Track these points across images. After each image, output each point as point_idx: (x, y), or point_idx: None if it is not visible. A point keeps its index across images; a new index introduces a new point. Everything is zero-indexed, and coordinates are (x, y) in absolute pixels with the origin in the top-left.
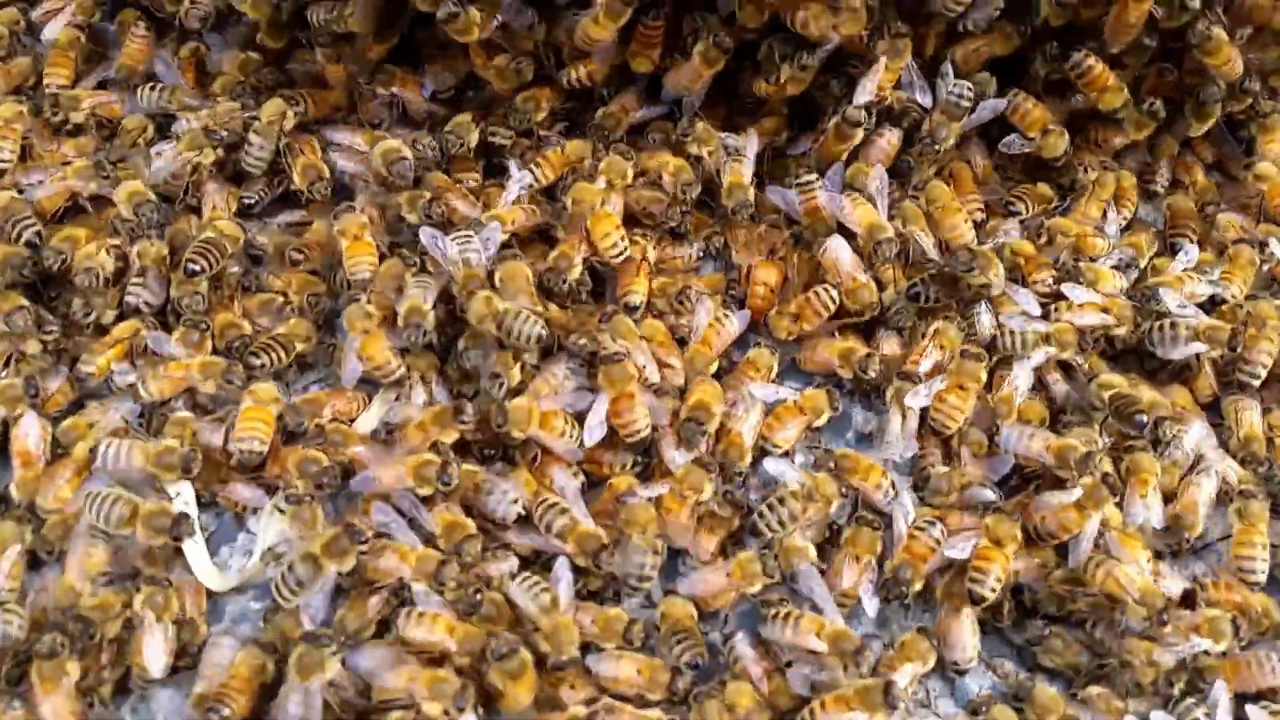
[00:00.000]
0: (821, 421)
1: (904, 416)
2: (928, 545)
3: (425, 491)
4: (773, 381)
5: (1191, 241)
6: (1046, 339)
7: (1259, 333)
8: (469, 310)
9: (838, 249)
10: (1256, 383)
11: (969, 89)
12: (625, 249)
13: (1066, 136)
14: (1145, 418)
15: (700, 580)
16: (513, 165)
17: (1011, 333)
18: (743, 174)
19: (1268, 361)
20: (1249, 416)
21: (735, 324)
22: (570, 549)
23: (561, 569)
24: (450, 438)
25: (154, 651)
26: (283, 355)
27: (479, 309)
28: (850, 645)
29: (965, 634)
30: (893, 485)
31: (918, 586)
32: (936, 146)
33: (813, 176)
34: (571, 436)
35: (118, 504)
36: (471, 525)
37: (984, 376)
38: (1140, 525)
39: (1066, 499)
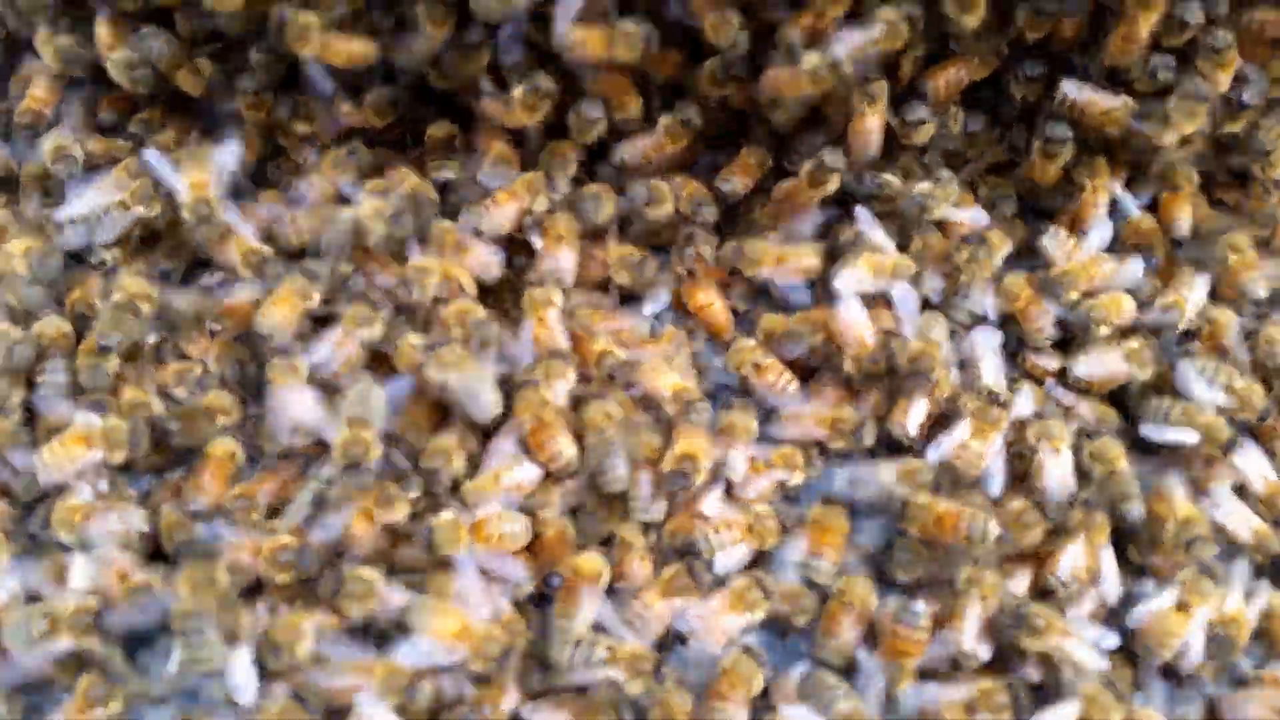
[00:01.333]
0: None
1: None
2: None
3: None
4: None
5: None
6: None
7: (1242, 258)
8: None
9: (852, 316)
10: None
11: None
12: None
13: None
14: (1139, 509)
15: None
16: None
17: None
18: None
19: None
20: (1257, 468)
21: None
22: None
23: None
24: (402, 513)
25: None
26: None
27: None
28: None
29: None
30: None
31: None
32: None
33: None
34: (517, 532)
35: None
36: None
37: (1005, 427)
38: None
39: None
